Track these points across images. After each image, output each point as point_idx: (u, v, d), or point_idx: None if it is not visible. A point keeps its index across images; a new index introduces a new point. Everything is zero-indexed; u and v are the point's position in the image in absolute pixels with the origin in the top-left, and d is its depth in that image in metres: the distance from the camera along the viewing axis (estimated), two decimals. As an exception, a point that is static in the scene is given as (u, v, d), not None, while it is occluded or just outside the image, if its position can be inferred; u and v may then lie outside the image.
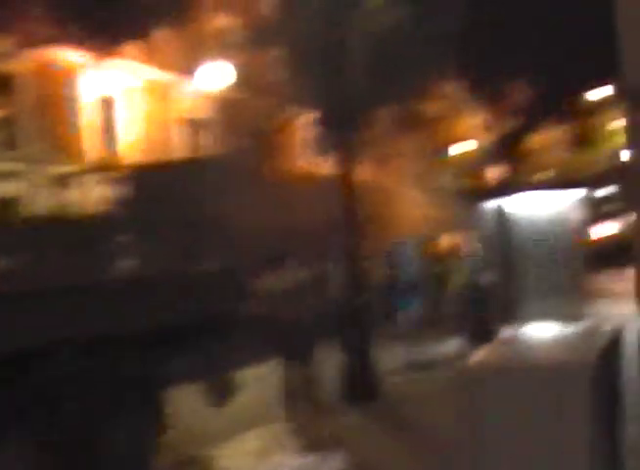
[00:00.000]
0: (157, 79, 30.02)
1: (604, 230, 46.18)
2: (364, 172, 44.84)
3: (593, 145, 39.13)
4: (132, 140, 28.98)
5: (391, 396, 12.22)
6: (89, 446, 9.75)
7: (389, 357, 11.50)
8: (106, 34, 21.18)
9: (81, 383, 9.70)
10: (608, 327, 7.16)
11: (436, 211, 51.87)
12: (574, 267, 20.47)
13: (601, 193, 31.82)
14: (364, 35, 12.18)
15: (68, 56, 26.25)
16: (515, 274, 19.02)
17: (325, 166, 39.16)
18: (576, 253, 20.72)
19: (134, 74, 28.96)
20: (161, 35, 26.20)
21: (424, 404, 12.10)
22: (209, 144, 32.11)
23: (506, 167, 19.60)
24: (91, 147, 27.25)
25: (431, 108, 29.31)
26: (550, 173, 38.41)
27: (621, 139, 41.10)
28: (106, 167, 22.30)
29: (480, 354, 6.47)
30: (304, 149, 39.76)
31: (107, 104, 22.99)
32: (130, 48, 27.48)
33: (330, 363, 11.88)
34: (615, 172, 41.08)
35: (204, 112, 31.33)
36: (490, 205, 20.24)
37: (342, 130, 23.52)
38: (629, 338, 7.23)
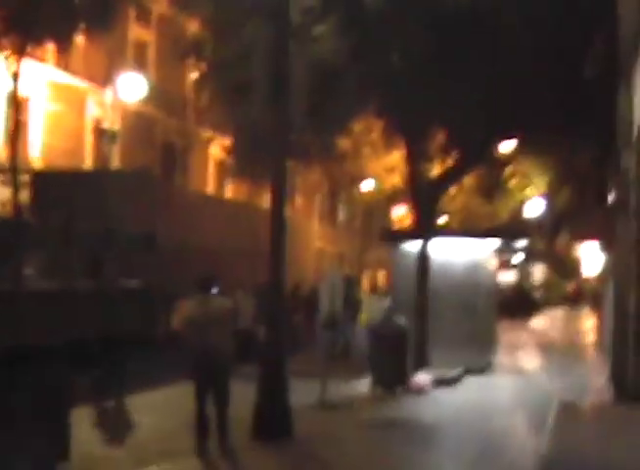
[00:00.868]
0: (72, 85, 29.53)
1: (505, 279, 47.13)
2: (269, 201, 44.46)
3: (500, 196, 39.77)
4: (43, 144, 28.39)
5: (303, 434, 12.00)
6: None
7: (303, 394, 11.26)
8: (23, 35, 20.63)
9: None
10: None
11: (348, 248, 51.99)
12: (487, 316, 20.70)
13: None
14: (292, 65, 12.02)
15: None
16: (427, 319, 19.09)
17: (233, 191, 39.06)
18: (489, 302, 20.96)
19: (49, 78, 28.42)
20: (81, 42, 25.71)
21: (335, 444, 12.01)
22: (120, 155, 31.68)
23: (420, 210, 19.88)
24: (-1, 147, 26.58)
25: (346, 143, 29.34)
26: (464, 220, 38.97)
27: (524, 194, 41.99)
28: (12, 170, 21.72)
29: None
30: (214, 171, 39.60)
31: (19, 106, 22.40)
32: (47, 51, 26.93)
33: (241, 397, 11.59)
34: (518, 225, 41.90)
35: (116, 122, 30.91)
36: (407, 246, 20.30)
37: (254, 158, 23.56)
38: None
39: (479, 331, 19.99)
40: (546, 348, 29.71)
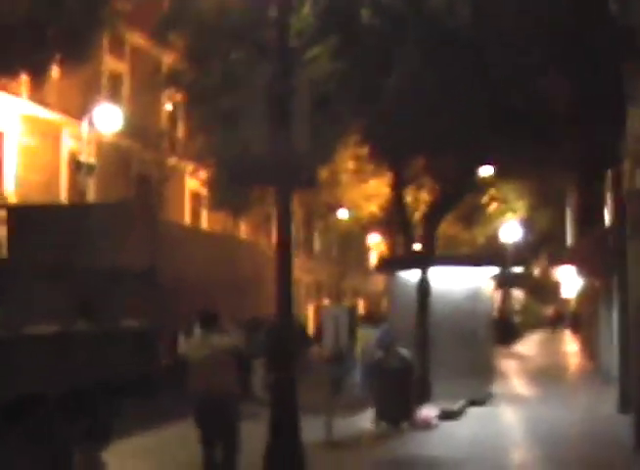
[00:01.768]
0: (47, 118, 28.93)
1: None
2: (249, 232, 44.06)
3: (479, 222, 39.47)
4: (18, 179, 27.73)
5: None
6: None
7: (307, 430, 10.68)
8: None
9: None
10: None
11: (325, 276, 51.37)
12: (486, 345, 20.23)
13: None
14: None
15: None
16: (429, 350, 18.55)
17: (209, 222, 38.48)
18: (487, 330, 20.49)
19: (23, 112, 27.82)
20: (56, 74, 25.11)
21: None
22: (96, 188, 31.03)
23: (407, 237, 19.56)
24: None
25: (324, 172, 28.86)
26: (444, 247, 38.53)
27: (502, 219, 41.71)
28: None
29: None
30: (192, 202, 39.00)
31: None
32: (21, 84, 26.34)
33: (250, 436, 10.94)
34: (495, 250, 41.59)
35: (92, 155, 30.28)
36: (404, 275, 19.79)
37: (234, 189, 22.99)
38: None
39: (478, 361, 19.47)
40: (538, 374, 29.35)
